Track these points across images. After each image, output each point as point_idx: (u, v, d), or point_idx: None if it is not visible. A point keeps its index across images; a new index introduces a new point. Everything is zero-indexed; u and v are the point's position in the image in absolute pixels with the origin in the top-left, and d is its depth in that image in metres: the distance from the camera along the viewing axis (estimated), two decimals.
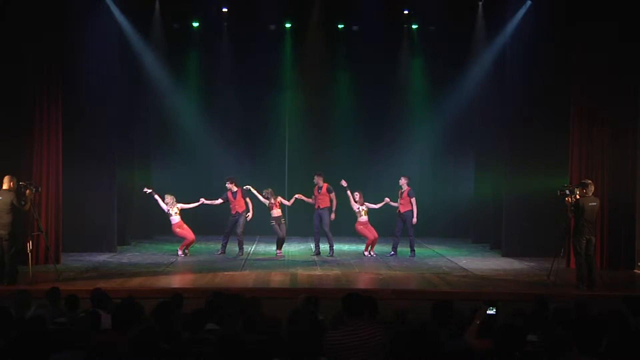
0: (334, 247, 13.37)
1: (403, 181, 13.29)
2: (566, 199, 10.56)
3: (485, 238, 15.12)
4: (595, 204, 10.48)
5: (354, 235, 15.61)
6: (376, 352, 5.01)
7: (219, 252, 13.28)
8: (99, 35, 12.99)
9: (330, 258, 13.03)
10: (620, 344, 4.79)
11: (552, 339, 4.79)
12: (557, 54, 12.88)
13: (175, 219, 13.19)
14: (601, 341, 4.85)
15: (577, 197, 10.40)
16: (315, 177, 13.44)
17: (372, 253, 13.38)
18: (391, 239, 13.59)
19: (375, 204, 13.50)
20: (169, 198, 13.18)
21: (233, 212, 13.22)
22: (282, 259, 12.91)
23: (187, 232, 13.26)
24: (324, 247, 13.51)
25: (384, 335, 5.06)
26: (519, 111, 13.40)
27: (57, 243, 12.10)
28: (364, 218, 13.35)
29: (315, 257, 13.08)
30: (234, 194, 13.16)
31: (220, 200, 13.37)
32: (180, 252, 13.17)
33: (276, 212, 13.11)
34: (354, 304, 5.18)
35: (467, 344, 5.13)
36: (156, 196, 13.14)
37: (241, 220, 13.11)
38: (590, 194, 10.45)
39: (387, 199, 13.45)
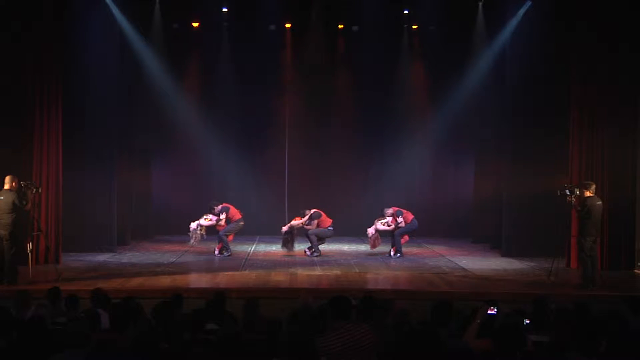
0: (315, 251, 13.28)
1: (389, 212, 13.27)
2: (567, 198, 10.56)
3: (485, 238, 15.10)
4: (600, 202, 10.49)
5: (353, 235, 15.61)
6: (367, 352, 4.97)
7: (228, 254, 13.28)
8: (99, 35, 12.96)
9: (329, 258, 13.00)
10: (620, 344, 4.80)
11: (554, 339, 4.80)
12: (557, 53, 12.85)
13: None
14: (601, 341, 4.85)
15: (587, 194, 10.37)
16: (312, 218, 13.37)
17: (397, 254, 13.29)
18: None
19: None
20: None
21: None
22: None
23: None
24: (322, 247, 13.49)
25: (374, 335, 5.04)
26: (519, 111, 13.37)
27: (57, 243, 12.09)
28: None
29: (315, 257, 13.06)
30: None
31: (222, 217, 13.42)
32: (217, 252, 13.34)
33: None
34: (341, 307, 5.16)
35: (467, 344, 5.13)
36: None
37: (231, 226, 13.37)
38: (594, 194, 10.47)
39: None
